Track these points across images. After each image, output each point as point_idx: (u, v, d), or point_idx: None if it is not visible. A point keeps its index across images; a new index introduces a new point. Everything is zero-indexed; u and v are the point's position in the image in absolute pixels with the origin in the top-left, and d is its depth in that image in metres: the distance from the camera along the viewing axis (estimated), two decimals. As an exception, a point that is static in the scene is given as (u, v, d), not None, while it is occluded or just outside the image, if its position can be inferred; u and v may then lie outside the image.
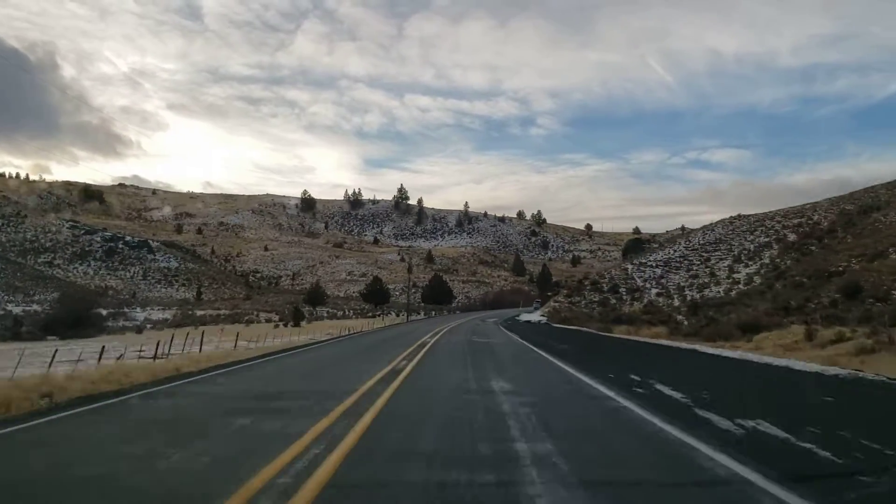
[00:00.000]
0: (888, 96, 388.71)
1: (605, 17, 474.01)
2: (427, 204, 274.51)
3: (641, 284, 61.83)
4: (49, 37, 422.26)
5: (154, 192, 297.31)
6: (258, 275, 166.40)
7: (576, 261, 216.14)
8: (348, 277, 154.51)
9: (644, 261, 68.49)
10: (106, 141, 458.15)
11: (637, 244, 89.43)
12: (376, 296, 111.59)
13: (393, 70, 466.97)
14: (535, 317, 62.74)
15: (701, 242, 68.26)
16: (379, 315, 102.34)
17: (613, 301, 59.77)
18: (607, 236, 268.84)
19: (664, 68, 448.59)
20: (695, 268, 61.46)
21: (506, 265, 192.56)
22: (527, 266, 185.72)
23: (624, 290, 62.16)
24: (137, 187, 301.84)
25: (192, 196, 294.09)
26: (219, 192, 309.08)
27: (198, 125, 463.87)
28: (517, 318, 63.10)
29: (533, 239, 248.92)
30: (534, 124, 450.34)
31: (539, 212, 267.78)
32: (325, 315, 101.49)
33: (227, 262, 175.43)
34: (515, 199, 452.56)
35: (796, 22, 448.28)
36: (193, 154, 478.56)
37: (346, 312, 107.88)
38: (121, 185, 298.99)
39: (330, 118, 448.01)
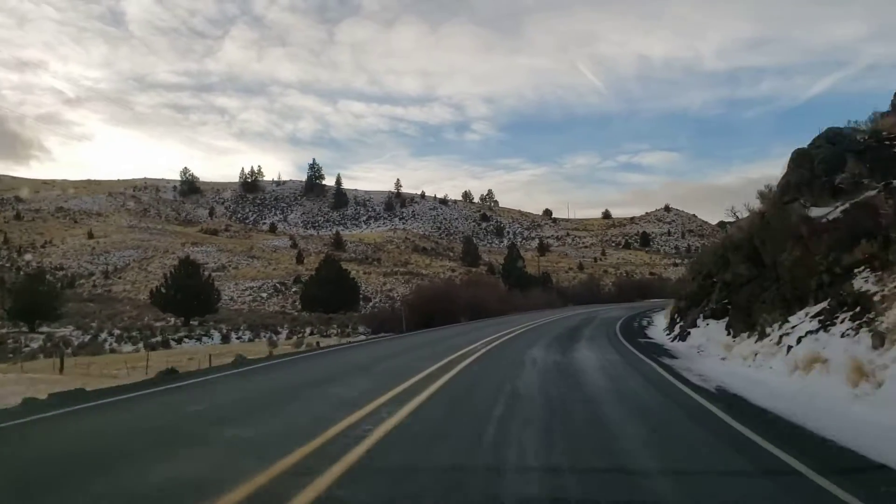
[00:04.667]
0: (811, 98, 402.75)
1: (533, 22, 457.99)
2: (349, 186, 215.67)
3: None
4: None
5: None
6: (61, 271, 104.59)
7: (543, 248, 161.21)
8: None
9: None
10: (20, 150, 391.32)
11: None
12: (182, 299, 52.80)
13: (325, 76, 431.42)
14: None
15: None
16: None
17: None
18: (574, 221, 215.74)
19: (594, 73, 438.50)
20: None
21: (451, 254, 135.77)
22: (482, 254, 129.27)
23: None
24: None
25: (45, 182, 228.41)
26: (85, 178, 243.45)
27: (124, 133, 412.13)
28: None
29: (484, 225, 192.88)
30: (469, 130, 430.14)
31: (490, 191, 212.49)
32: (40, 343, 42.56)
33: (19, 254, 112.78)
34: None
35: (721, 26, 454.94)
36: (119, 163, 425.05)
37: (106, 334, 48.47)
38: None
39: (261, 125, 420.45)
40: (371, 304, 78.64)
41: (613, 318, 35.80)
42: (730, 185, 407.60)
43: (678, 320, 21.09)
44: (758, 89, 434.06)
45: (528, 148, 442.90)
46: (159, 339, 47.70)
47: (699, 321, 17.74)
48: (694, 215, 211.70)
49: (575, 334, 23.17)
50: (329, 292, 66.87)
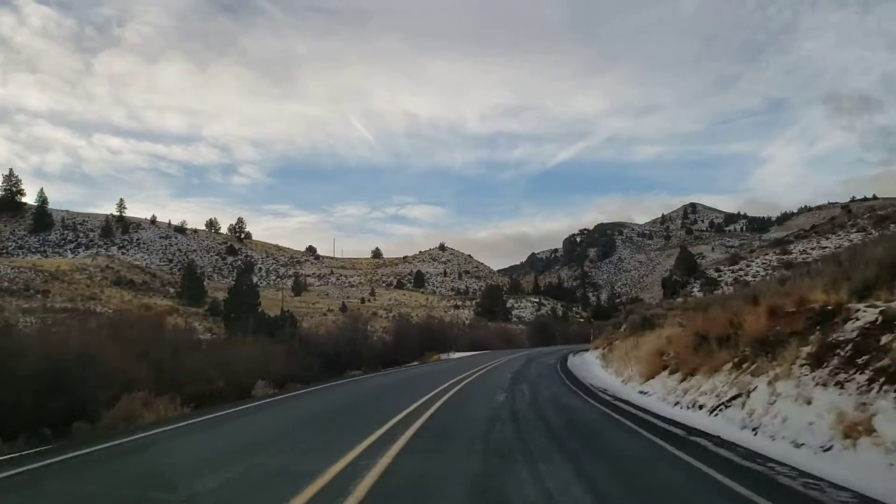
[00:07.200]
0: (557, 164, 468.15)
1: (306, 72, 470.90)
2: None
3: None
4: None
5: None
6: None
7: (300, 287, 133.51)
8: None
9: None
10: None
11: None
12: None
13: (79, 107, 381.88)
14: None
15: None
16: None
17: None
18: (341, 260, 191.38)
19: (365, 126, 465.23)
20: None
21: (170, 290, 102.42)
22: (214, 292, 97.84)
23: None
24: None
25: None
26: None
27: None
28: None
29: (230, 259, 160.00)
30: (237, 172, 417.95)
31: (240, 220, 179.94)
32: None
33: None
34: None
35: (481, 92, 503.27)
36: None
37: None
38: None
39: (2, 155, 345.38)
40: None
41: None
42: (487, 239, 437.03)
43: None
44: (513, 153, 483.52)
45: (297, 195, 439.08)
46: None
47: None
48: (470, 256, 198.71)
49: None
50: None
